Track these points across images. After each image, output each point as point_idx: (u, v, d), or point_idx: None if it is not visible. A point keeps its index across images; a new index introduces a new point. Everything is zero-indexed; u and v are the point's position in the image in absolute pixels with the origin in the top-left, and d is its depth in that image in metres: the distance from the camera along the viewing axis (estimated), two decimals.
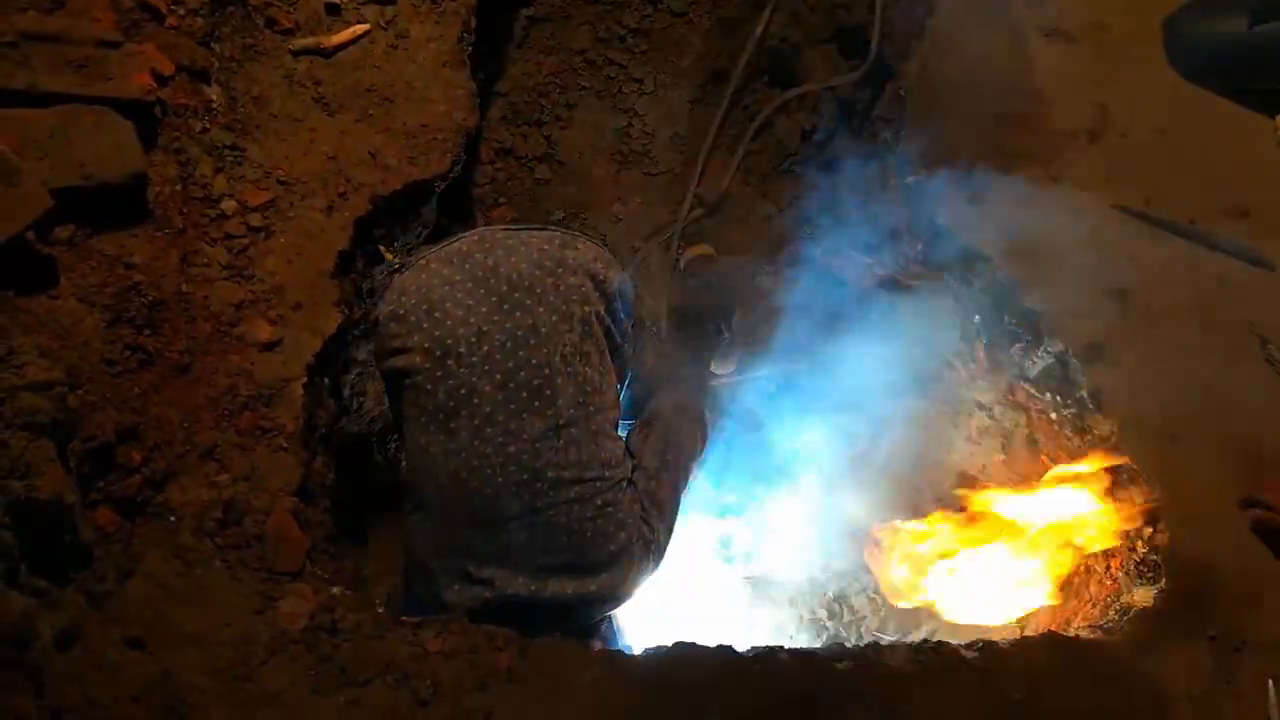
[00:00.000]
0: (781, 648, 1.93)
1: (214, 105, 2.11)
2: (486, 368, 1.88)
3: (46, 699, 1.35)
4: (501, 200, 2.96)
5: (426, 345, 1.89)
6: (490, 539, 1.91)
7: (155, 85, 1.95)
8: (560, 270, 1.96)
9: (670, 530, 2.15)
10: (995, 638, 2.06)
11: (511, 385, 1.88)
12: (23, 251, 1.64)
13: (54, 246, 1.73)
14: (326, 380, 2.09)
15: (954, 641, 2.01)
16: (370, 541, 2.81)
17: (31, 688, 1.31)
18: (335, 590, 1.81)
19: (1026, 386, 2.49)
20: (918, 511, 2.93)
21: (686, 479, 2.25)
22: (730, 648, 1.90)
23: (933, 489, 2.91)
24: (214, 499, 1.77)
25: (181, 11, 2.11)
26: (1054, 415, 2.43)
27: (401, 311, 1.92)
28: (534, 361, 1.89)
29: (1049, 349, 2.38)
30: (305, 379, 1.96)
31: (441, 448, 1.90)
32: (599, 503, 1.94)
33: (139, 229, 1.86)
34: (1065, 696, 1.91)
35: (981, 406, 2.72)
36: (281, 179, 2.12)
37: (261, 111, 2.18)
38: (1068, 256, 2.43)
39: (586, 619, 2.06)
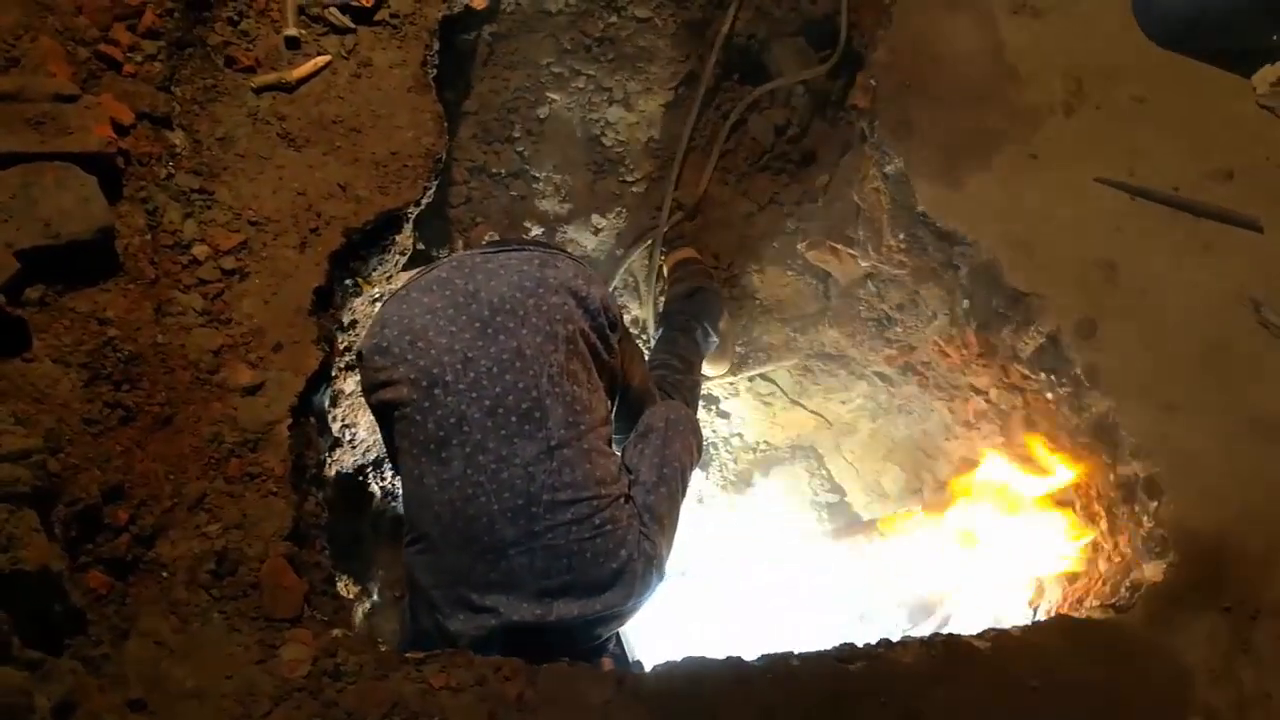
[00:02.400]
0: (792, 653, 1.91)
1: (178, 150, 2.08)
2: (474, 395, 1.86)
3: None
4: (478, 220, 2.94)
5: (412, 376, 1.87)
6: (491, 566, 1.89)
7: (116, 136, 1.92)
8: (541, 290, 1.94)
9: (671, 543, 2.13)
10: (1007, 625, 2.05)
11: (500, 411, 1.86)
12: None
13: (24, 308, 1.70)
14: (313, 419, 2.06)
15: (965, 633, 1.99)
16: (374, 573, 2.80)
17: None
18: (336, 633, 1.78)
19: (1020, 368, 2.47)
20: (920, 499, 2.92)
21: (684, 490, 2.23)
22: (739, 658, 1.88)
23: (934, 475, 2.89)
24: (206, 550, 1.75)
25: (138, 58, 2.08)
26: (1050, 395, 2.41)
27: (384, 344, 1.90)
28: (521, 385, 1.87)
29: (1039, 329, 2.36)
30: (290, 420, 1.93)
31: (435, 478, 1.88)
32: (597, 521, 1.92)
33: (110, 283, 1.83)
34: (1082, 679, 1.89)
35: (977, 391, 2.70)
36: (252, 219, 2.10)
37: (227, 152, 2.16)
38: (1052, 234, 2.41)
39: (594, 638, 2.04)
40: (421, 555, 1.95)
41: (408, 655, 1.79)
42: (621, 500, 2.01)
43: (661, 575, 2.08)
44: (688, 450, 2.27)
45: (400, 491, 2.49)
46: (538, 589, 1.90)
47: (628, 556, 1.96)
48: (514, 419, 1.86)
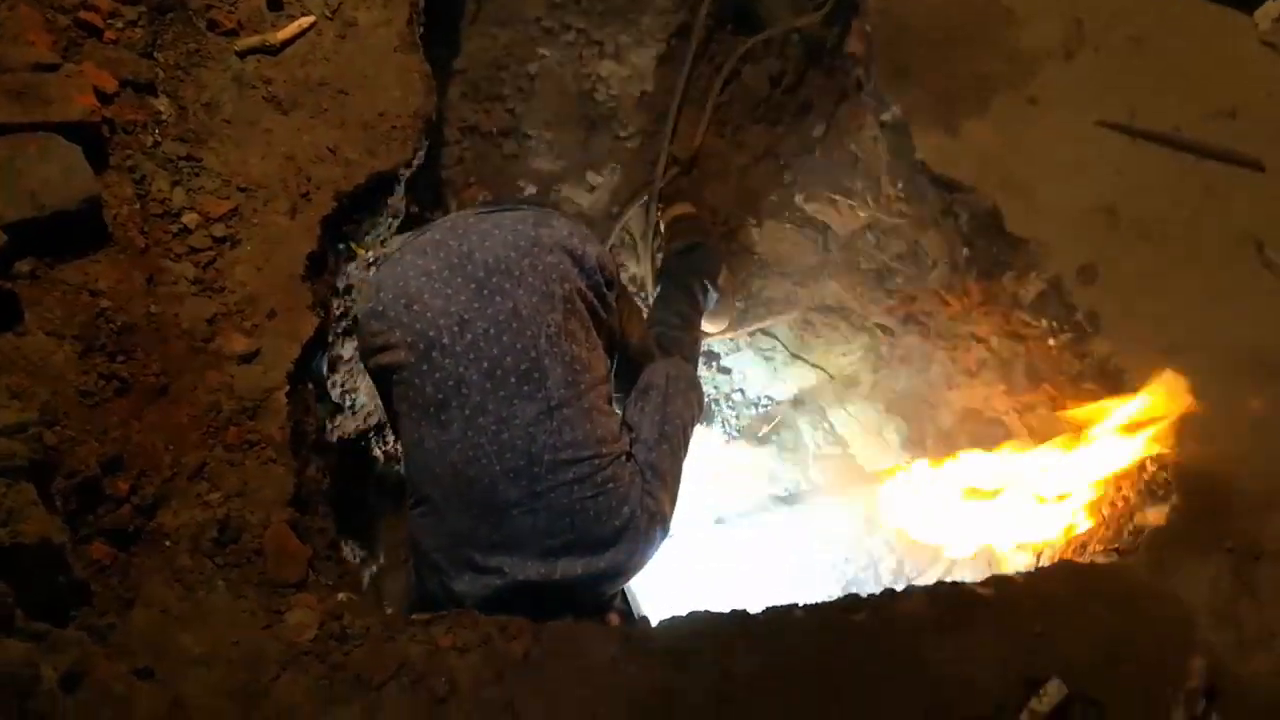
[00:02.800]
0: (796, 605, 1.92)
1: (163, 117, 2.05)
2: (472, 356, 1.85)
3: None
4: (472, 180, 2.91)
5: (409, 340, 1.86)
6: (494, 528, 1.90)
7: (99, 104, 1.89)
8: (536, 250, 1.92)
9: (674, 499, 2.13)
10: (1010, 572, 2.06)
11: (499, 372, 1.85)
12: None
13: (14, 282, 1.69)
14: (311, 385, 2.05)
15: (969, 580, 1.99)
16: (380, 537, 2.81)
17: None
18: (341, 596, 1.79)
19: (1022, 315, 2.45)
20: (923, 449, 2.92)
21: (685, 447, 2.23)
22: (744, 610, 1.89)
23: (935, 426, 2.89)
24: (208, 519, 1.75)
25: (119, 24, 2.05)
26: (1052, 341, 2.40)
27: (380, 308, 1.89)
28: (519, 346, 1.86)
29: (1041, 275, 2.34)
30: (288, 387, 1.92)
31: (435, 441, 1.88)
32: (599, 480, 1.92)
33: (100, 254, 1.81)
34: (1086, 624, 1.90)
35: (978, 339, 2.68)
36: (241, 185, 2.07)
37: (213, 118, 2.13)
38: (1052, 178, 2.38)
39: (600, 595, 2.05)
40: (424, 518, 1.96)
41: (414, 617, 1.80)
42: (623, 458, 2.01)
43: (666, 532, 2.09)
44: (688, 406, 2.26)
45: (402, 455, 2.50)
46: (541, 548, 1.90)
47: (630, 514, 1.96)
48: (513, 380, 1.86)
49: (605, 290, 2.03)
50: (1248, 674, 1.85)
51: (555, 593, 1.93)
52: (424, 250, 1.92)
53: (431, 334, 1.85)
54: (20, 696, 1.28)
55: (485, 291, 1.87)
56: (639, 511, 1.98)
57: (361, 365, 2.24)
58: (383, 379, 1.94)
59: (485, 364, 1.85)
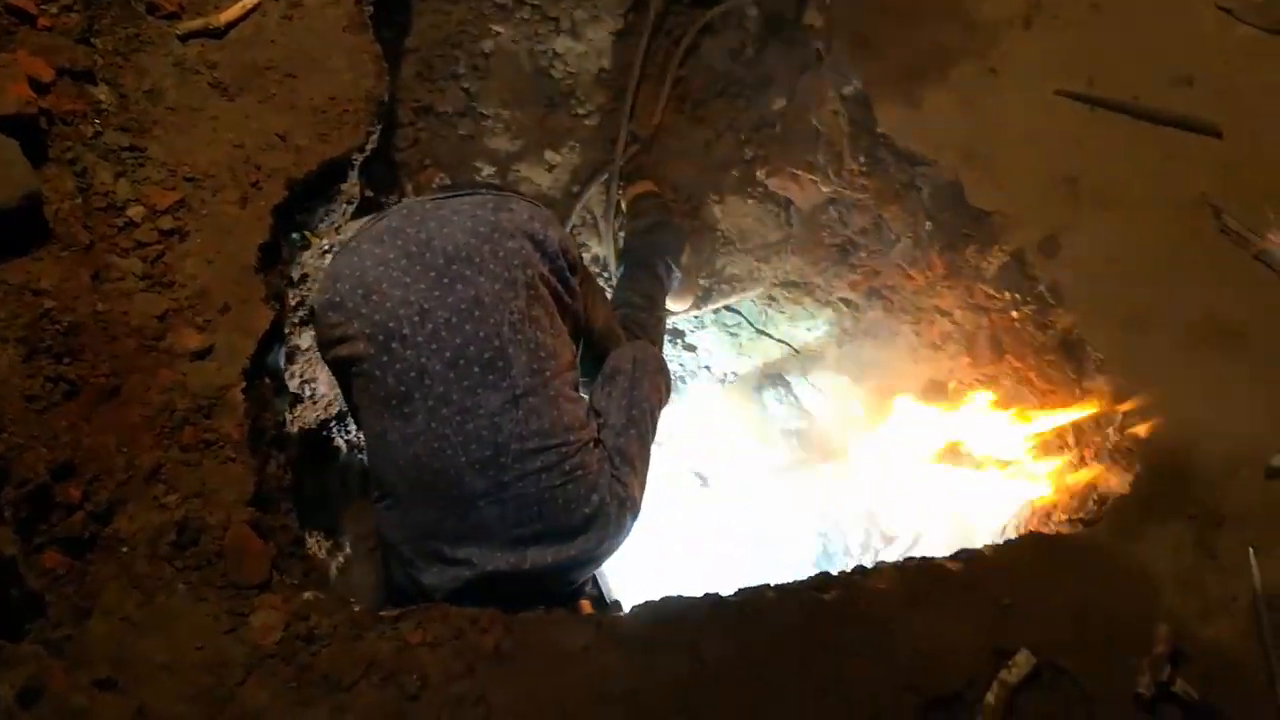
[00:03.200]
0: (768, 585, 1.92)
1: (104, 106, 1.98)
2: (434, 347, 1.81)
3: None
4: (427, 162, 2.85)
5: (368, 331, 1.82)
6: (461, 519, 1.87)
7: (35, 95, 1.82)
8: (496, 235, 1.88)
9: (644, 484, 2.12)
10: (978, 545, 2.07)
11: (462, 361, 1.82)
12: None
13: None
14: (269, 380, 2.00)
15: (937, 556, 2.00)
16: (346, 527, 2.77)
17: None
18: (308, 595, 1.76)
19: (985, 288, 2.46)
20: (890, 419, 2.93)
21: (654, 431, 2.22)
22: (716, 594, 1.89)
23: (902, 399, 2.90)
24: (166, 522, 1.71)
25: (53, 10, 1.97)
26: (1015, 313, 2.41)
27: (337, 299, 1.84)
28: (482, 334, 1.83)
29: (1003, 247, 2.34)
30: (244, 383, 1.88)
31: (399, 434, 1.84)
32: (567, 468, 1.90)
33: (42, 251, 1.75)
34: (1052, 594, 1.92)
35: (942, 312, 2.69)
36: (188, 175, 2.01)
37: (156, 106, 2.06)
38: (1013, 150, 2.38)
39: (570, 583, 2.04)
40: (390, 511, 1.93)
41: (382, 613, 1.77)
42: (591, 445, 1.99)
43: (635, 516, 2.08)
44: (656, 390, 2.25)
45: (365, 448, 2.46)
46: (510, 538, 1.89)
47: (600, 501, 1.95)
48: (476, 369, 1.82)
49: (568, 274, 2.00)
50: (1211, 638, 1.88)
51: (526, 582, 1.91)
52: (381, 239, 1.88)
53: (391, 325, 1.81)
54: None
55: (445, 280, 1.83)
56: (608, 498, 1.97)
57: (320, 356, 2.20)
58: (342, 371, 1.90)
59: (447, 354, 1.81)
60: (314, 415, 2.65)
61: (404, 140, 2.84)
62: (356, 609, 1.77)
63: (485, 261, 1.85)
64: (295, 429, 2.51)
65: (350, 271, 1.85)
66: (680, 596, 1.88)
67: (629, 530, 2.07)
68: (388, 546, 1.98)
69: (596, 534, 1.96)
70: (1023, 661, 1.82)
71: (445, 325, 1.82)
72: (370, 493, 1.99)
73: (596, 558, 2.02)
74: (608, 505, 1.97)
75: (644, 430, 2.16)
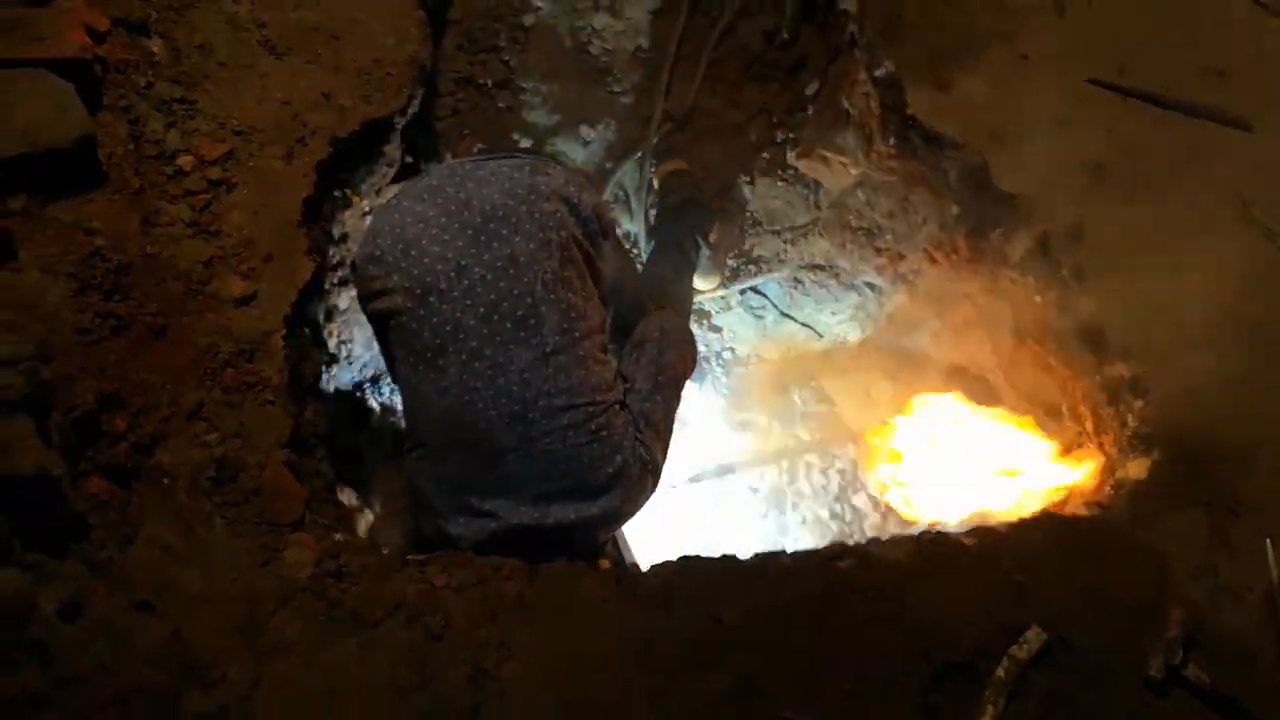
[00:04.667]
0: (784, 551, 1.95)
1: (156, 58, 2.04)
2: (469, 302, 1.86)
3: (55, 670, 1.35)
4: (466, 132, 2.90)
5: (406, 285, 1.87)
6: (489, 471, 1.92)
7: (91, 42, 1.88)
8: (533, 197, 1.93)
9: (666, 450, 2.16)
10: (994, 523, 2.09)
11: (495, 317, 1.87)
12: None
13: (7, 219, 1.68)
14: (307, 331, 2.06)
15: (952, 530, 2.03)
16: (375, 488, 2.82)
17: (37, 662, 1.32)
18: (338, 536, 1.81)
19: (1009, 272, 2.48)
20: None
21: (678, 399, 2.26)
22: (733, 556, 1.92)
23: (923, 383, 2.92)
24: (206, 458, 1.76)
25: None
26: (1038, 299, 2.42)
27: (378, 253, 1.89)
28: (516, 292, 1.87)
29: (1028, 232, 2.36)
30: (285, 331, 1.93)
31: (433, 385, 1.89)
32: (593, 427, 1.94)
33: (94, 193, 1.80)
34: (1066, 574, 1.93)
35: (965, 297, 2.71)
36: (236, 129, 2.07)
37: (207, 60, 2.12)
38: (1042, 135, 2.39)
39: (591, 541, 2.08)
40: (421, 462, 1.98)
41: (410, 557, 1.82)
42: (617, 407, 2.03)
43: (657, 480, 2.12)
44: (682, 360, 2.29)
45: (399, 404, 2.51)
46: (535, 493, 1.93)
47: (623, 462, 1.99)
48: (509, 325, 1.87)
49: (601, 239, 2.04)
50: (1223, 625, 1.89)
51: (548, 537, 1.95)
52: (421, 196, 1.93)
53: (429, 279, 1.86)
54: (18, 624, 1.29)
55: (482, 238, 1.88)
56: (632, 460, 2.01)
57: (359, 317, 2.25)
58: (380, 324, 1.95)
59: (482, 309, 1.86)
60: (349, 377, 2.70)
61: (444, 109, 2.89)
62: (385, 552, 1.83)
63: (521, 222, 1.90)
64: (330, 388, 2.56)
65: (391, 227, 1.90)
66: (698, 557, 1.91)
67: (650, 493, 2.12)
68: (418, 497, 2.03)
69: (619, 494, 2.00)
70: (1034, 638, 1.83)
71: (481, 281, 1.86)
72: (405, 444, 2.04)
73: (618, 517, 2.06)
74: (631, 467, 2.01)
75: (669, 397, 2.20)
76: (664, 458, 2.15)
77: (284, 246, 2.00)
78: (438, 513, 1.96)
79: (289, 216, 2.03)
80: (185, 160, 1.99)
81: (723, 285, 3.30)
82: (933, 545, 1.97)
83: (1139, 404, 2.18)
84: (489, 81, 2.96)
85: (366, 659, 1.64)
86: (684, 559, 1.91)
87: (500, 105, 2.98)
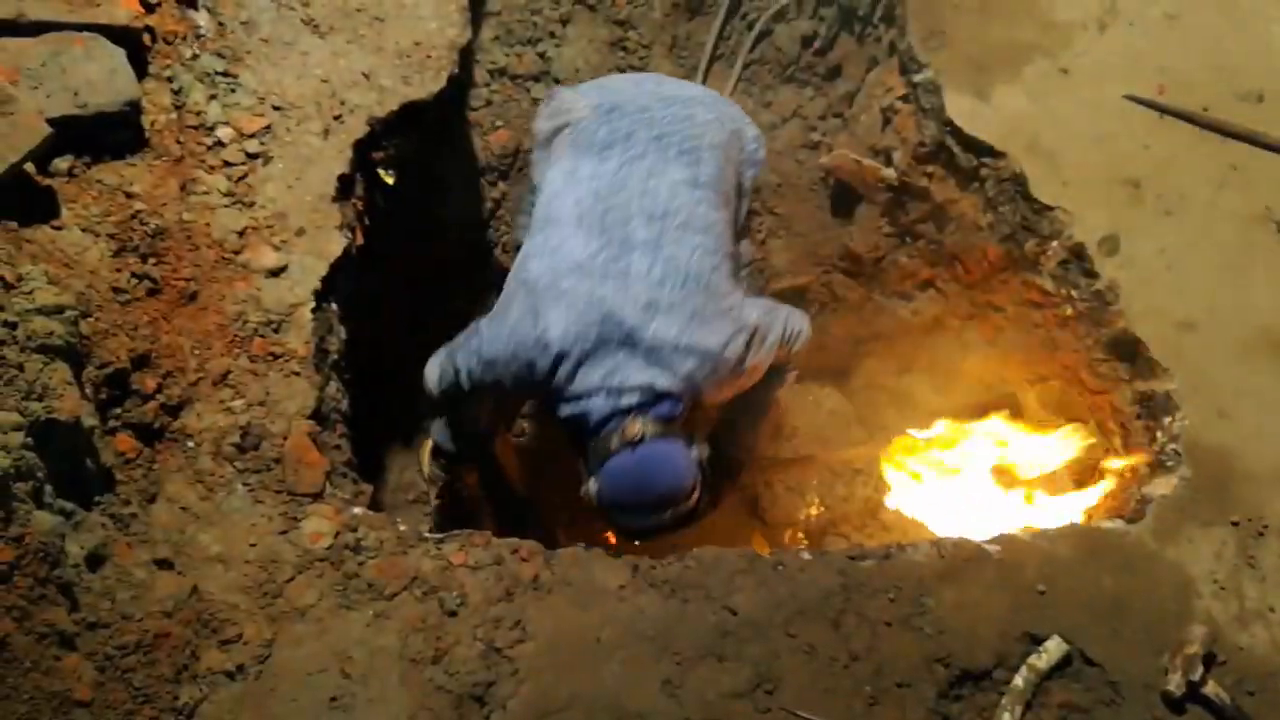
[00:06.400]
0: (803, 549, 1.94)
1: (202, 31, 2.07)
2: (646, 119, 2.05)
3: (80, 613, 1.36)
4: (499, 123, 2.91)
5: (595, 103, 2.09)
6: (615, 257, 1.88)
7: (143, 11, 1.92)
8: (720, 108, 2.21)
9: (763, 369, 2.06)
10: (1016, 531, 2.07)
11: (665, 138, 2.04)
12: (23, 182, 1.62)
13: (53, 178, 1.71)
14: (335, 306, 2.07)
15: (975, 537, 2.01)
16: (387, 473, 2.83)
17: (65, 603, 1.33)
18: (357, 510, 1.81)
19: (1041, 283, 2.46)
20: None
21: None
22: (751, 550, 1.91)
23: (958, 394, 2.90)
24: (230, 424, 1.78)
25: None
26: (1069, 311, 2.41)
27: (579, 90, 2.17)
28: (689, 133, 2.06)
29: (1063, 243, 2.35)
30: (314, 304, 1.95)
31: (591, 169, 2.00)
32: (715, 262, 1.95)
33: (136, 158, 1.84)
34: (1088, 586, 1.92)
35: (996, 308, 2.69)
36: (276, 104, 2.09)
37: (251, 36, 2.14)
38: (1079, 148, 2.39)
39: (671, 388, 1.90)
40: (547, 242, 1.93)
41: (426, 534, 1.82)
42: (739, 287, 2.09)
43: (741, 366, 1.98)
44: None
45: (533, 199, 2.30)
46: (649, 298, 1.86)
47: (731, 307, 1.94)
48: (674, 150, 2.02)
49: (747, 187, 2.26)
50: (1245, 644, 1.86)
51: (640, 344, 1.87)
52: (622, 73, 2.23)
53: (618, 101, 2.10)
54: (50, 565, 1.30)
55: (672, 106, 2.11)
56: (741, 316, 1.95)
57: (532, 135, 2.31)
58: (552, 135, 2.11)
59: (656, 131, 2.04)
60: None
61: (478, 100, 2.90)
62: (402, 529, 1.83)
63: (706, 110, 2.14)
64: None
65: (593, 84, 2.25)
66: (716, 549, 1.90)
67: (739, 366, 1.97)
68: (523, 284, 1.93)
69: (721, 334, 1.91)
70: (1054, 649, 1.82)
71: (661, 118, 2.06)
72: (525, 238, 2.03)
73: (708, 360, 1.91)
74: (742, 316, 1.95)
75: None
76: (767, 360, 2.04)
77: (316, 221, 2.02)
78: (539, 294, 1.87)
79: (323, 191, 2.05)
80: (225, 132, 2.01)
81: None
82: (954, 549, 1.96)
83: (1169, 420, 2.16)
84: (524, 74, 2.97)
85: (381, 629, 1.65)
86: (702, 549, 1.90)
87: (535, 97, 2.98)
